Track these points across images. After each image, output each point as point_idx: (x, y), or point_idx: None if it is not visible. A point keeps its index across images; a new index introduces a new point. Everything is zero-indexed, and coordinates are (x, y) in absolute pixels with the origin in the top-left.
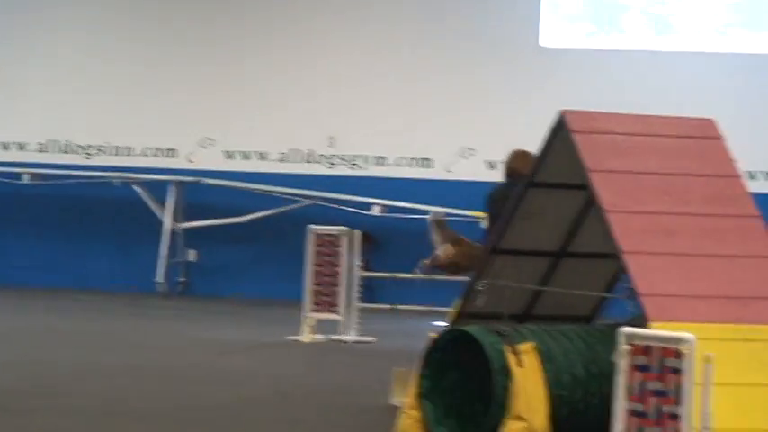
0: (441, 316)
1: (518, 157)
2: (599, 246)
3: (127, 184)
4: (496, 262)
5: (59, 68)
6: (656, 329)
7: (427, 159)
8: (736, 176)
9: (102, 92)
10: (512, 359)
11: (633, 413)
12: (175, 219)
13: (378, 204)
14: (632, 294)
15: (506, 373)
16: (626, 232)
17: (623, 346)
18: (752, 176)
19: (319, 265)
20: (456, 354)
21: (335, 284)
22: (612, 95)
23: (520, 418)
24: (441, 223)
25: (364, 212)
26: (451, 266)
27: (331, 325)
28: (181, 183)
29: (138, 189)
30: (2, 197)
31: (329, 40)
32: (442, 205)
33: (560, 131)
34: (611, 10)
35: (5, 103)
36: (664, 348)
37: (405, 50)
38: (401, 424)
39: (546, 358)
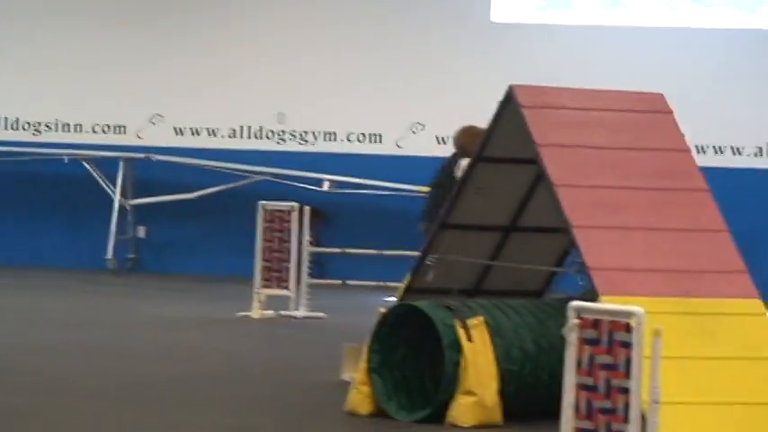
0: (391, 291)
1: (466, 132)
2: (549, 220)
3: (76, 160)
4: (446, 237)
5: (7, 44)
6: (606, 303)
7: (377, 135)
8: (685, 150)
9: (50, 68)
10: (462, 334)
11: (582, 387)
12: (125, 195)
13: (328, 180)
14: (582, 269)
15: (457, 348)
16: (575, 206)
17: (572, 320)
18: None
19: (269, 241)
20: (406, 329)
21: (285, 260)
22: (563, 70)
23: (470, 393)
24: None
25: (314, 188)
26: None
27: (281, 301)
28: (130, 159)
29: (87, 165)
30: None
31: (278, 15)
32: (392, 181)
33: (509, 106)
34: None
35: None
36: (613, 322)
37: (355, 25)
38: (352, 399)
39: (495, 333)
